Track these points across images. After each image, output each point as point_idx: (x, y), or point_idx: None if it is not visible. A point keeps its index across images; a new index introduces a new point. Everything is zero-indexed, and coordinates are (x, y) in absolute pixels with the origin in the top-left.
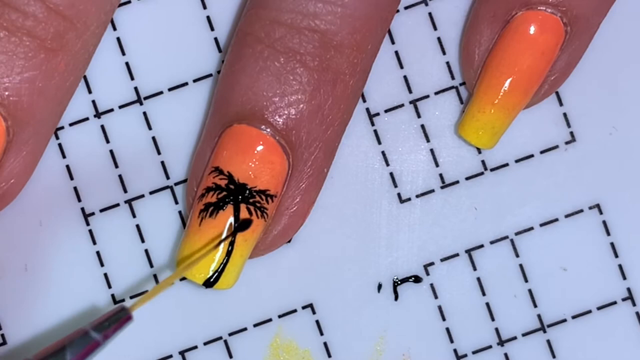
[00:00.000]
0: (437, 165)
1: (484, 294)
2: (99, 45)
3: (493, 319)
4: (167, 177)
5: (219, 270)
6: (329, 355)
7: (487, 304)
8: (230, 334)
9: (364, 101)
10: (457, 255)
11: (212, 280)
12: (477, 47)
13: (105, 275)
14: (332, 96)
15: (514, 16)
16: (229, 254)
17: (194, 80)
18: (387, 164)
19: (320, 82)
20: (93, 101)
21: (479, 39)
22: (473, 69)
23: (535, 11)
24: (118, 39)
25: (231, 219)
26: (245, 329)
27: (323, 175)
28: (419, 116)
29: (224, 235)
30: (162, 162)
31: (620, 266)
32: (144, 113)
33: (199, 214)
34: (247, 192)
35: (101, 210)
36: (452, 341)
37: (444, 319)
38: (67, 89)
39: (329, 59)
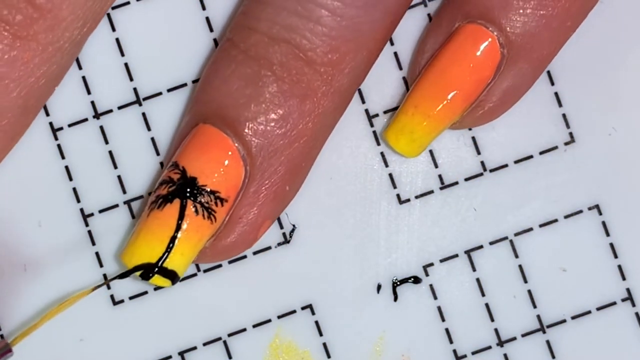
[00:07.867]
0: (436, 166)
1: (483, 295)
2: (98, 45)
3: (492, 320)
4: None
5: (159, 265)
6: (329, 356)
7: (487, 305)
8: (230, 335)
9: (363, 102)
10: (456, 256)
11: (150, 274)
12: (420, 55)
13: (105, 276)
14: (298, 111)
15: (457, 28)
16: (168, 249)
17: (193, 81)
18: (386, 165)
19: (288, 95)
20: (92, 102)
21: (422, 47)
22: (413, 77)
23: (473, 24)
24: (117, 39)
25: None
26: (244, 329)
27: (285, 193)
28: None
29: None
30: (161, 163)
31: (619, 267)
32: (143, 114)
33: (150, 206)
34: (196, 188)
35: (100, 211)
36: (451, 342)
37: (443, 320)
38: (33, 85)
39: (301, 73)
